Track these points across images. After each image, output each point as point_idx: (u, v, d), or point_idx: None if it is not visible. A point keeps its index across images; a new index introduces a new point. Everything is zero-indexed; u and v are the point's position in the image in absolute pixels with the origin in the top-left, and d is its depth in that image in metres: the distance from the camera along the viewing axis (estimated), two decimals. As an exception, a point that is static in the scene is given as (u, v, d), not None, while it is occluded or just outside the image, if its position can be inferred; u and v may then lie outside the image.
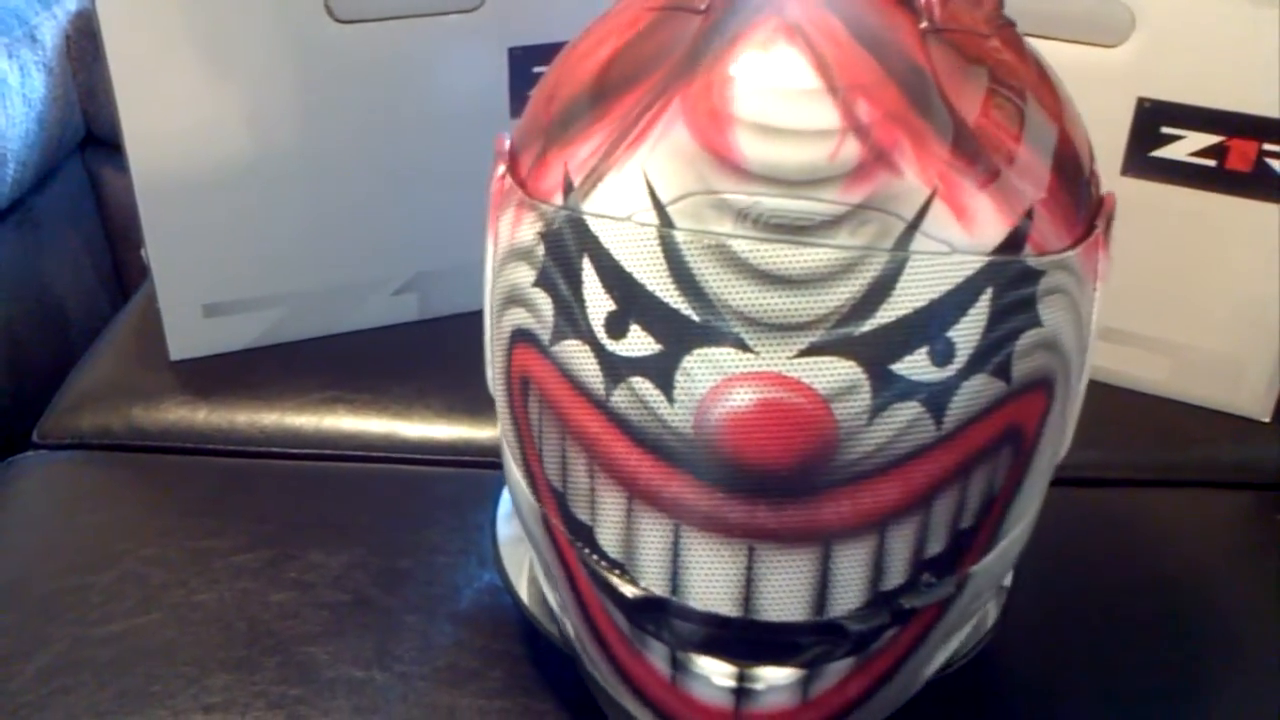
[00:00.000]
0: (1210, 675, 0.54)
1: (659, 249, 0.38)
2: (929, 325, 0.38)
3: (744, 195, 0.37)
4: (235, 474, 0.65)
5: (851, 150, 0.37)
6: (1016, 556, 0.46)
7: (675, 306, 0.38)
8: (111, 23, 0.62)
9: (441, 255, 0.74)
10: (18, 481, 0.65)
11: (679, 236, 0.38)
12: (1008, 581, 0.51)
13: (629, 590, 0.42)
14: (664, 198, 0.38)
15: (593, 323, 0.39)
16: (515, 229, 0.42)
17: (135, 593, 0.55)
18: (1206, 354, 0.68)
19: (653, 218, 0.38)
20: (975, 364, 0.38)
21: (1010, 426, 0.40)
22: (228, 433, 0.67)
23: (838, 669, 0.41)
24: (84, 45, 0.99)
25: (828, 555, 0.39)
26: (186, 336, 0.71)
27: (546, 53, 0.70)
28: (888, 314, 0.37)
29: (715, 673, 0.41)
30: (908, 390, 0.38)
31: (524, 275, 0.42)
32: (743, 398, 0.37)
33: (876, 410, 0.38)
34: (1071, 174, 0.41)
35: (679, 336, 0.38)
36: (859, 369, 0.37)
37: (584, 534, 0.42)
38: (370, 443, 0.67)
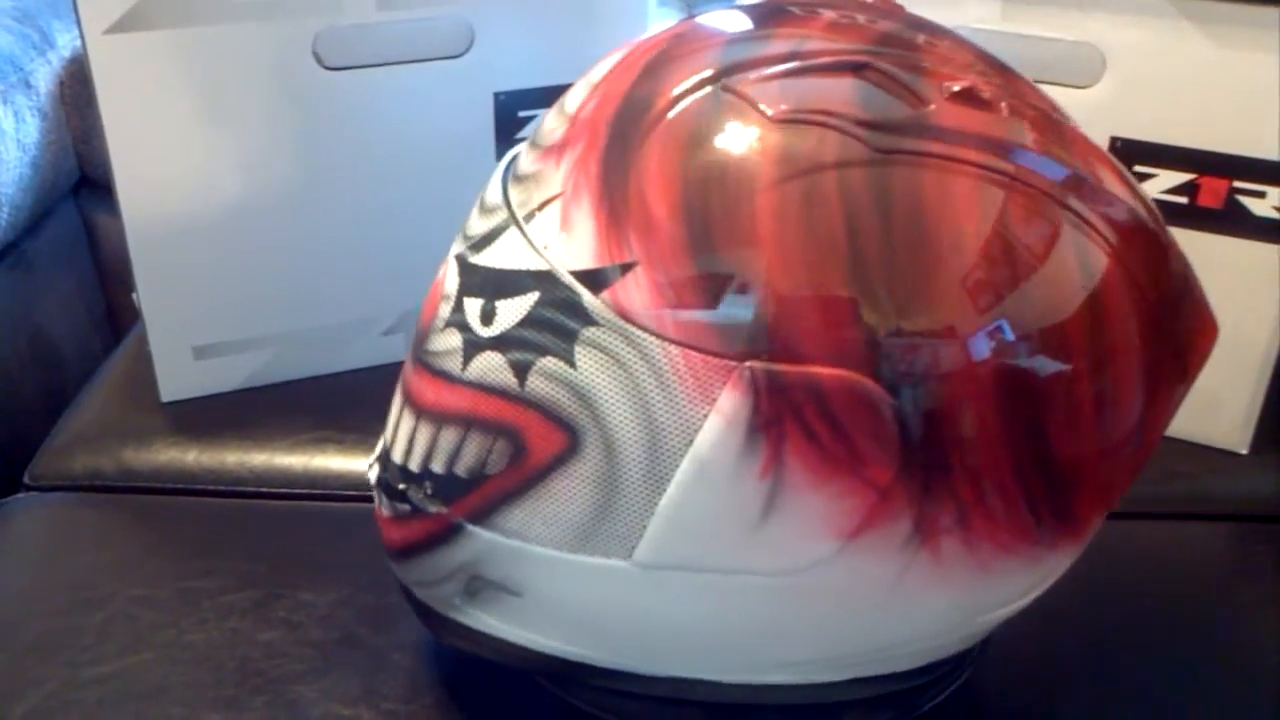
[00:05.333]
0: (1194, 705, 0.54)
1: None
2: (489, 286, 0.43)
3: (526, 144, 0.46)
4: (225, 514, 0.65)
5: (558, 134, 0.43)
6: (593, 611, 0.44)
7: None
8: (104, 69, 0.63)
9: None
10: (10, 523, 0.65)
11: None
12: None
13: None
14: None
15: None
16: None
17: (125, 633, 0.56)
18: (1184, 388, 0.68)
19: None
20: (499, 344, 0.42)
21: (512, 426, 0.42)
22: (218, 473, 0.67)
23: (390, 506, 0.48)
24: (78, 90, 1.00)
25: (402, 411, 0.47)
26: (177, 378, 0.72)
27: (530, 97, 0.72)
28: (482, 259, 0.44)
29: (373, 459, 0.51)
30: (459, 324, 0.44)
31: None
32: (439, 273, 0.47)
33: (447, 324, 0.45)
34: (724, 299, 0.38)
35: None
36: (457, 287, 0.45)
37: None
38: (359, 482, 0.67)
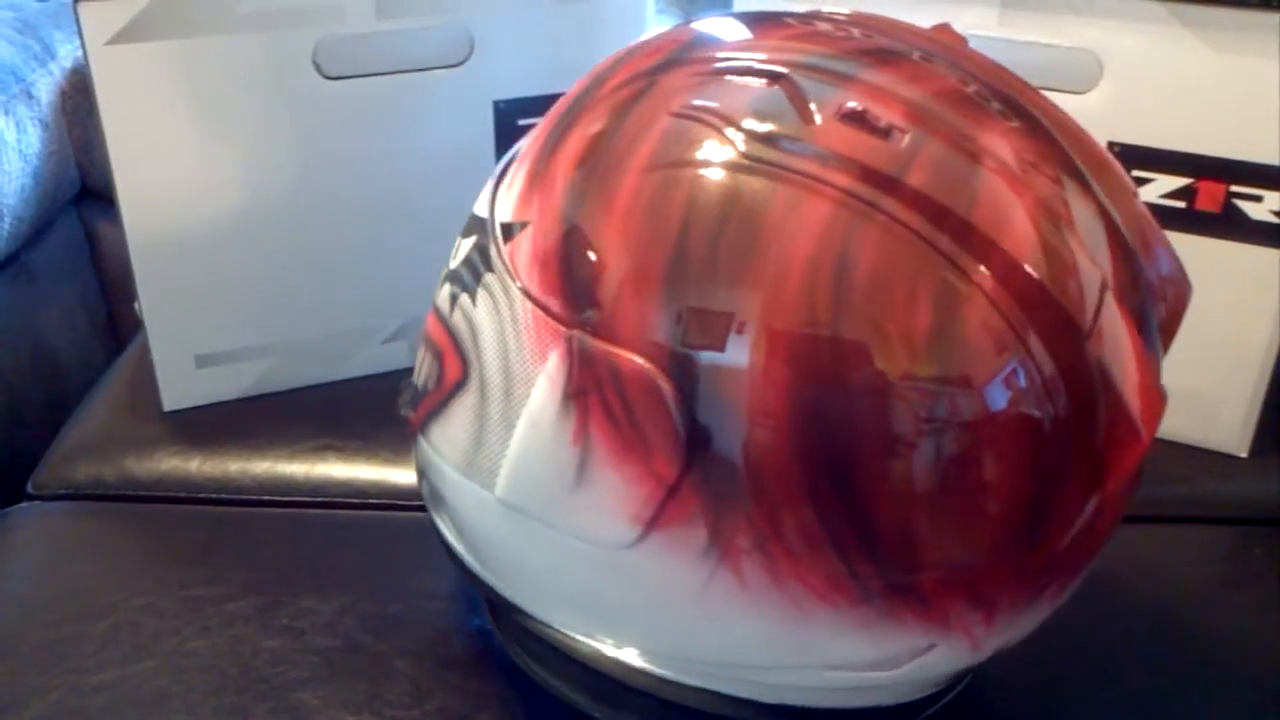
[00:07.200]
0: (1193, 710, 0.54)
1: None
2: (467, 227, 0.47)
3: None
4: (228, 522, 0.66)
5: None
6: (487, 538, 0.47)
7: None
8: (105, 80, 0.63)
9: (430, 303, 0.75)
10: (13, 532, 0.65)
11: None
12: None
13: None
14: None
15: None
16: None
17: (129, 641, 0.56)
18: (1183, 392, 0.68)
19: None
20: (450, 277, 0.47)
21: (442, 350, 0.46)
22: (220, 482, 0.68)
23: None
24: (79, 100, 1.00)
25: None
26: (179, 387, 0.72)
27: (530, 105, 0.72)
28: (475, 204, 0.48)
29: None
30: (449, 257, 0.48)
31: None
32: None
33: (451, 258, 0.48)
34: (572, 269, 0.40)
35: None
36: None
37: None
38: (361, 489, 0.67)
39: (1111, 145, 0.65)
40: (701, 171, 0.39)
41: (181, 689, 0.53)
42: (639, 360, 0.39)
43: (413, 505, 0.66)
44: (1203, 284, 0.66)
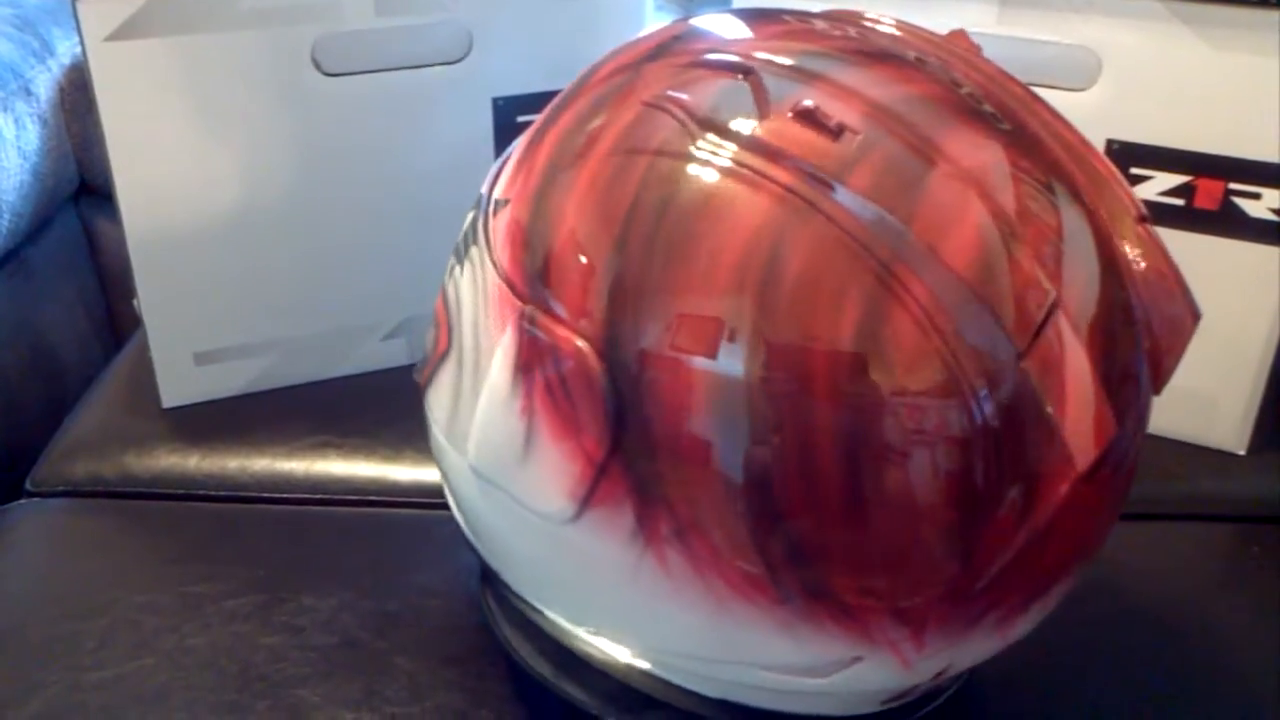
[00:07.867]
0: (1191, 708, 0.54)
1: None
2: (475, 202, 0.48)
3: None
4: (227, 519, 0.66)
5: None
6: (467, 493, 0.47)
7: None
8: (104, 76, 0.63)
9: (429, 300, 0.74)
10: (12, 529, 0.65)
11: None
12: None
13: None
14: None
15: None
16: None
17: (128, 638, 0.56)
18: (1181, 390, 0.68)
19: None
20: (454, 249, 0.48)
21: (439, 318, 0.48)
22: (219, 478, 0.68)
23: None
24: (78, 97, 1.00)
25: None
26: (178, 384, 0.72)
27: (529, 102, 0.72)
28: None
29: None
30: None
31: None
32: None
33: None
34: (533, 247, 0.41)
35: None
36: None
37: None
38: (360, 487, 0.67)
39: (1110, 143, 0.65)
40: (654, 160, 0.40)
41: (180, 686, 0.53)
42: (575, 339, 0.39)
43: (412, 502, 0.66)
44: (1201, 282, 0.66)
